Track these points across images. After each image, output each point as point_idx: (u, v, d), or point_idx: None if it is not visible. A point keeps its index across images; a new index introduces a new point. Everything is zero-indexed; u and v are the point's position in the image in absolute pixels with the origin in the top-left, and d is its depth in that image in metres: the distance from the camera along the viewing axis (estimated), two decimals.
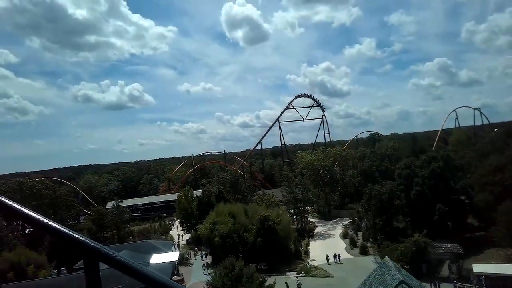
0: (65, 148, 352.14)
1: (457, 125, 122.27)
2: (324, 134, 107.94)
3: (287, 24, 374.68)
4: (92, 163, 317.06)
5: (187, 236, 62.27)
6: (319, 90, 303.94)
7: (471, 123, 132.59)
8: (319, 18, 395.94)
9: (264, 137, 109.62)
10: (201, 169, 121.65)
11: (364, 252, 47.01)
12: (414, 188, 44.59)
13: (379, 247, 44.12)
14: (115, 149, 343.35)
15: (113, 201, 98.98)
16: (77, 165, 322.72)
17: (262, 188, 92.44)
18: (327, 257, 43.72)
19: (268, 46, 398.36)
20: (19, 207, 1.38)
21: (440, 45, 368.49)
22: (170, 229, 65.61)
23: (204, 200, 60.06)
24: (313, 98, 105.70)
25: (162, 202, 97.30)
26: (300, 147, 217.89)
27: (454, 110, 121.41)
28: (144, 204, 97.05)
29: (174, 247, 50.72)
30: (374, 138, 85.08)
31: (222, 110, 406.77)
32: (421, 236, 39.27)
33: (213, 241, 44.64)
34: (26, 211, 1.38)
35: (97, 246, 1.36)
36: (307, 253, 49.67)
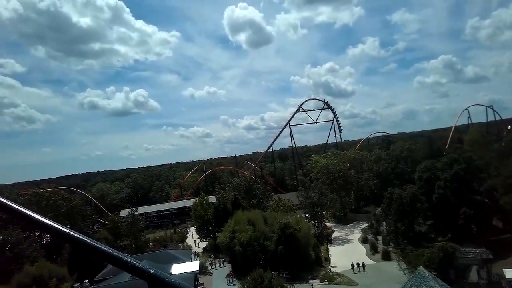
0: (72, 156, 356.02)
1: (470, 123, 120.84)
2: (335, 136, 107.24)
3: (289, 26, 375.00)
4: (100, 170, 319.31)
5: (203, 244, 61.95)
6: (323, 90, 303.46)
7: (480, 120, 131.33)
8: (322, 19, 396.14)
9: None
10: (212, 174, 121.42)
11: (386, 257, 46.16)
12: (436, 191, 43.74)
13: (402, 252, 43.31)
14: (122, 155, 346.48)
15: (127, 209, 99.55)
16: (85, 172, 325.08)
17: (273, 192, 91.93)
18: (352, 266, 42.69)
19: (271, 48, 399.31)
20: (41, 218, 1.42)
21: (444, 43, 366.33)
22: (186, 237, 65.28)
23: (220, 207, 59.72)
24: (324, 101, 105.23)
25: (175, 209, 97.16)
26: (308, 149, 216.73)
27: (466, 109, 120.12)
28: (157, 212, 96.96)
29: (194, 257, 50.31)
30: (389, 140, 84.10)
31: (226, 114, 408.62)
32: (446, 240, 38.48)
33: (234, 250, 44.20)
34: (48, 221, 1.42)
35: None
36: (327, 259, 48.89)
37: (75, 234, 1.42)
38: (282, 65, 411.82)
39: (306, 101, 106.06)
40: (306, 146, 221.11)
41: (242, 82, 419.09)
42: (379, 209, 71.44)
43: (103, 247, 1.34)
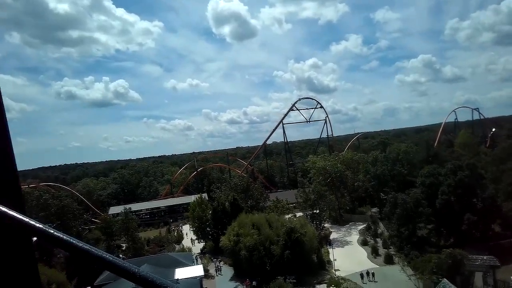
0: (49, 146, 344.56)
1: (457, 125, 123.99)
2: (328, 135, 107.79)
3: (274, 20, 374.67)
4: (78, 162, 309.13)
5: (199, 244, 60.95)
6: (306, 86, 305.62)
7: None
8: (306, 14, 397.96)
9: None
10: (202, 171, 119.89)
11: (388, 261, 46.49)
12: (440, 197, 44.31)
13: (406, 256, 43.74)
14: (101, 146, 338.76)
15: (115, 206, 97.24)
16: (63, 164, 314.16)
17: (265, 190, 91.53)
18: (361, 275, 41.67)
19: (256, 42, 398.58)
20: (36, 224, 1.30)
21: (425, 42, 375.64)
22: (183, 238, 64.11)
23: (219, 208, 58.78)
24: (317, 101, 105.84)
25: (166, 207, 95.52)
26: (292, 144, 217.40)
27: (453, 111, 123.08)
28: (147, 209, 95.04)
29: (197, 260, 49.36)
30: (384, 142, 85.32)
31: (209, 107, 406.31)
32: (448, 246, 38.99)
33: (239, 254, 43.54)
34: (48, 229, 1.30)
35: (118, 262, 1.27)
36: (329, 262, 48.97)
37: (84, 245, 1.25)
38: (266, 60, 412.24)
39: (299, 99, 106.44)
40: (290, 142, 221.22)
41: (225, 75, 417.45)
42: (374, 210, 72.54)
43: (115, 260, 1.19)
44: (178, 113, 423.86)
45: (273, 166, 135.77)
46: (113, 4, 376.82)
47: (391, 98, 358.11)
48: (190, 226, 62.82)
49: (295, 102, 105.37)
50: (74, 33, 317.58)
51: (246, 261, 42.58)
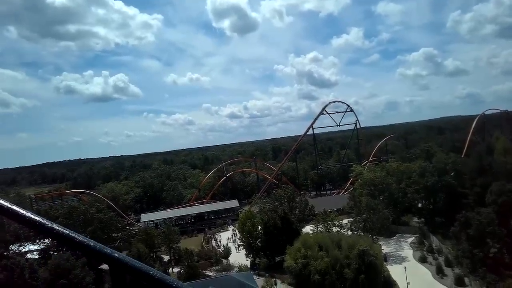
0: (50, 141, 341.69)
1: (486, 127, 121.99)
2: (358, 140, 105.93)
3: (275, 13, 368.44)
4: (82, 158, 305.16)
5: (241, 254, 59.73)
6: (307, 80, 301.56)
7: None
8: (308, 6, 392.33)
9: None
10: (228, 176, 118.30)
11: (460, 283, 44.88)
12: None
13: (482, 279, 42.14)
14: (102, 141, 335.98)
15: (147, 214, 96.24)
16: (66, 159, 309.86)
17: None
18: None
19: (256, 36, 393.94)
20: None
21: (426, 35, 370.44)
22: (230, 252, 62.72)
23: (270, 223, 57.30)
24: (347, 105, 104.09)
25: (196, 213, 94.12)
26: (302, 142, 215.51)
27: (483, 113, 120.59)
28: (178, 217, 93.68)
29: (272, 284, 47.84)
30: (428, 151, 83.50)
31: (209, 101, 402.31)
32: None
33: (308, 278, 42.01)
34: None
35: None
36: (395, 283, 47.41)
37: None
38: (266, 54, 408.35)
39: (330, 103, 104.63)
40: (296, 137, 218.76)
41: (225, 70, 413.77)
42: (416, 220, 70.99)
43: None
44: (179, 108, 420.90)
45: (295, 168, 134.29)
46: None
47: (392, 92, 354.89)
48: (238, 239, 61.63)
49: (326, 106, 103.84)
50: (73, 27, 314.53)
51: (319, 285, 41.07)
